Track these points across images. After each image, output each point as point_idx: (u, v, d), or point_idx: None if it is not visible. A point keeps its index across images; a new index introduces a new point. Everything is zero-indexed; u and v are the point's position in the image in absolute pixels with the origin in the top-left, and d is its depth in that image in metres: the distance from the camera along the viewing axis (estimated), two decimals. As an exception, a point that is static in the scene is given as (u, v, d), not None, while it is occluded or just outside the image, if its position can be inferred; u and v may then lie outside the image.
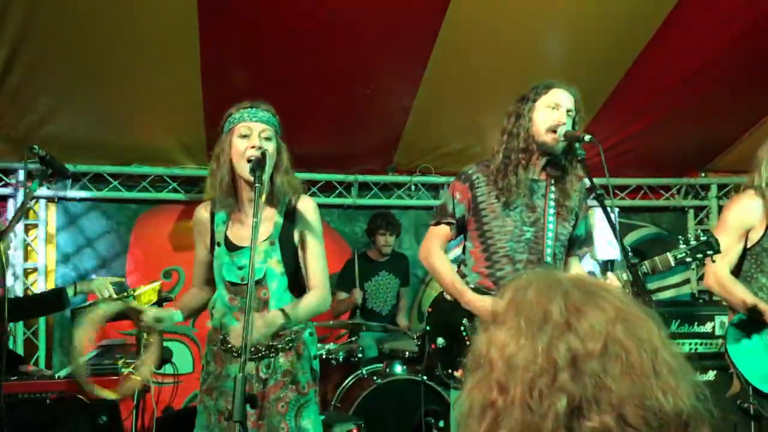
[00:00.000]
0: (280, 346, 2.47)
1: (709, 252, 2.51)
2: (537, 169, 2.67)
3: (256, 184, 2.21)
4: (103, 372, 2.84)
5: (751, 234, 2.90)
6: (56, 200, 5.01)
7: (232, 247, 2.51)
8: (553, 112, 2.59)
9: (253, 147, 2.39)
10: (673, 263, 2.50)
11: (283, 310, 2.37)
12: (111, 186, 5.05)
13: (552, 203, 2.66)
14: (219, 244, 2.53)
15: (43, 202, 4.96)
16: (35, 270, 4.92)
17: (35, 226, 4.93)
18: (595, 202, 2.51)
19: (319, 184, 5.39)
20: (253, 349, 2.40)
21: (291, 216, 2.53)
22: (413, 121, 4.97)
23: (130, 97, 4.41)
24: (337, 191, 5.46)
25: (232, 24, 4.04)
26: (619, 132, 5.09)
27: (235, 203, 2.51)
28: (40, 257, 4.92)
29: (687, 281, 5.91)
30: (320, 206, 5.26)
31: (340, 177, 5.43)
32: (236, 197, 2.51)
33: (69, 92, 4.31)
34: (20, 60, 3.96)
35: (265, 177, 2.34)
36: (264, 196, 2.32)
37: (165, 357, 3.62)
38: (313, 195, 5.32)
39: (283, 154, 2.50)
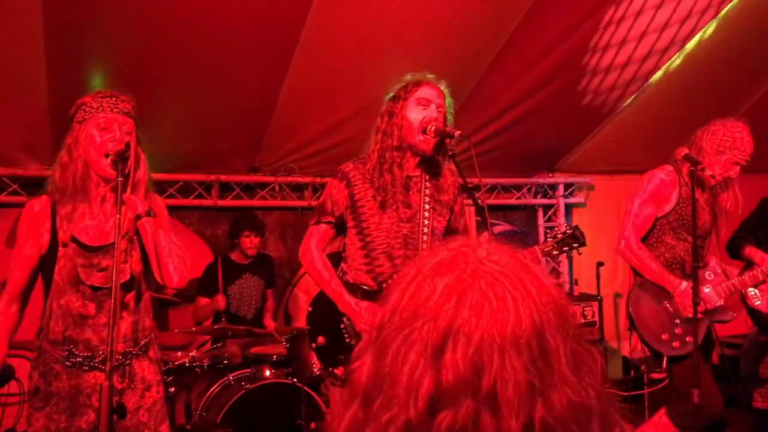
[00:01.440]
0: (134, 352, 2.33)
1: (575, 245, 2.66)
2: (411, 165, 2.70)
3: (119, 178, 2.06)
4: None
5: (664, 205, 3.30)
6: None
7: (86, 248, 2.29)
8: (423, 110, 2.63)
9: (113, 141, 2.23)
10: (540, 256, 2.62)
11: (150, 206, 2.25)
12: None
13: (427, 198, 2.70)
14: (66, 245, 2.29)
15: None
16: None
17: None
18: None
19: (178, 185, 5.16)
20: (113, 359, 2.21)
21: (151, 213, 2.37)
22: (276, 121, 4.89)
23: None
24: (197, 192, 5.26)
25: (80, 16, 3.77)
26: (474, 134, 5.29)
27: (84, 198, 2.31)
28: None
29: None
30: (179, 208, 5.16)
31: (200, 178, 5.24)
32: (87, 193, 2.31)
33: None
34: None
35: (130, 171, 2.19)
36: (128, 192, 2.16)
37: (8, 374, 3.31)
38: (171, 197, 5.09)
39: (141, 148, 2.35)
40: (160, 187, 5.05)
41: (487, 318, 0.70)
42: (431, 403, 0.68)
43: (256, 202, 5.41)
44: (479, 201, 2.45)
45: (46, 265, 2.31)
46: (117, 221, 1.97)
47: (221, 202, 5.31)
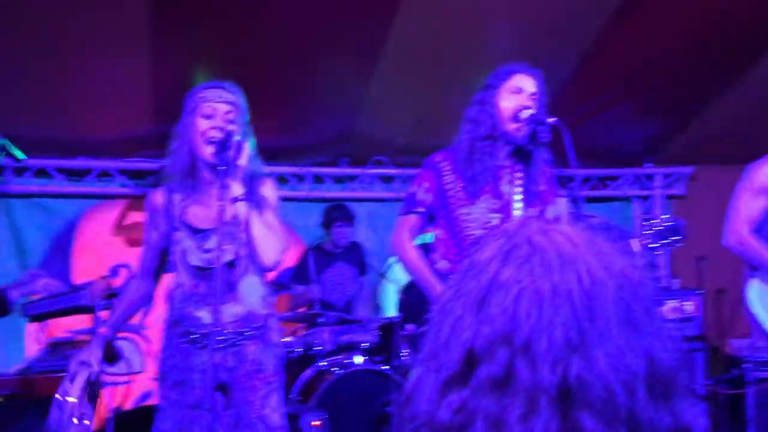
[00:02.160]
0: (247, 333, 2.42)
1: (674, 238, 2.55)
2: (503, 154, 2.67)
3: (221, 166, 2.16)
4: (52, 370, 2.72)
5: None
6: (-3, 195, 4.81)
7: (195, 231, 2.44)
8: (516, 98, 2.59)
9: (215, 128, 2.32)
10: (636, 249, 2.54)
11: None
12: (54, 180, 4.87)
13: (518, 189, 2.67)
14: (179, 229, 2.45)
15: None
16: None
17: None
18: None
19: (272, 177, 5.30)
20: (220, 338, 2.34)
21: (251, 197, 2.47)
22: (366, 113, 4.95)
23: (75, 87, 4.26)
24: (290, 184, 5.40)
25: (185, 17, 3.95)
26: (567, 123, 5.16)
27: (194, 185, 2.44)
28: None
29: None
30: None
31: (293, 170, 5.37)
32: (196, 179, 2.44)
33: (9, 84, 4.13)
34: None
35: (231, 159, 2.29)
36: (229, 178, 2.26)
37: (117, 353, 3.51)
38: (265, 188, 5.24)
39: (247, 137, 2.45)
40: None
41: (529, 273, 0.71)
42: (470, 355, 0.70)
43: (346, 194, 5.50)
44: (573, 192, 2.40)
45: (168, 248, 2.48)
46: (219, 206, 2.06)
47: (313, 194, 5.43)
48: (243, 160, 2.37)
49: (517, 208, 2.66)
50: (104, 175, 5.00)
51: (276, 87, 4.57)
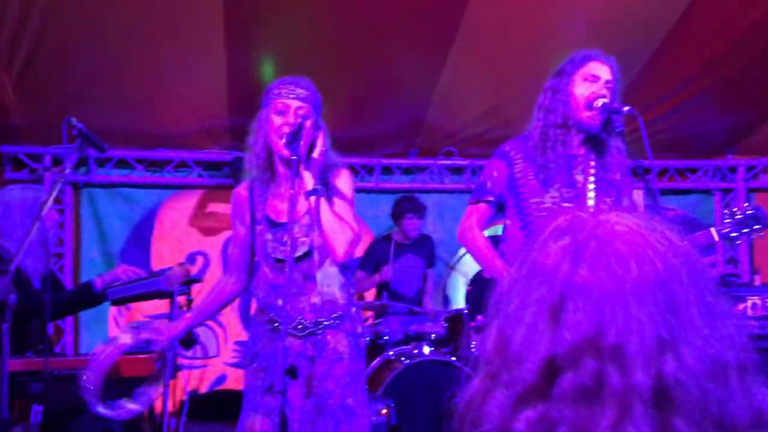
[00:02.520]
0: (326, 322, 2.46)
1: (756, 227, 2.45)
2: (576, 143, 2.62)
3: (293, 157, 2.20)
4: (133, 351, 2.84)
5: None
6: (80, 185, 5.03)
7: (273, 224, 2.49)
8: (591, 86, 2.54)
9: (287, 124, 2.38)
10: (716, 237, 2.44)
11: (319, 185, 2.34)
12: (135, 171, 5.06)
13: (592, 177, 2.61)
14: (260, 223, 2.52)
15: (68, 187, 4.99)
16: (61, 255, 4.95)
17: (61, 210, 4.95)
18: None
19: (342, 168, 5.36)
20: (300, 326, 2.40)
21: (329, 188, 2.51)
22: (435, 104, 4.94)
23: (154, 81, 4.42)
24: (360, 175, 5.44)
25: (256, 9, 4.03)
26: (644, 114, 5.01)
27: (272, 179, 2.50)
28: (66, 242, 4.95)
29: (714, 265, 5.85)
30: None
31: (363, 161, 5.41)
32: (273, 173, 2.50)
33: (93, 77, 4.32)
34: (45, 46, 3.98)
35: (302, 151, 2.34)
36: (301, 170, 2.31)
37: (193, 339, 3.62)
38: (336, 179, 5.31)
39: (320, 131, 2.49)
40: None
41: (606, 274, 0.67)
42: (549, 365, 0.66)
43: (416, 185, 5.51)
44: (649, 183, 2.33)
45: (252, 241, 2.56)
46: (292, 198, 2.11)
47: (382, 185, 5.46)
48: (316, 153, 2.41)
49: (591, 198, 2.60)
50: (182, 166, 5.17)
51: (346, 78, 4.61)
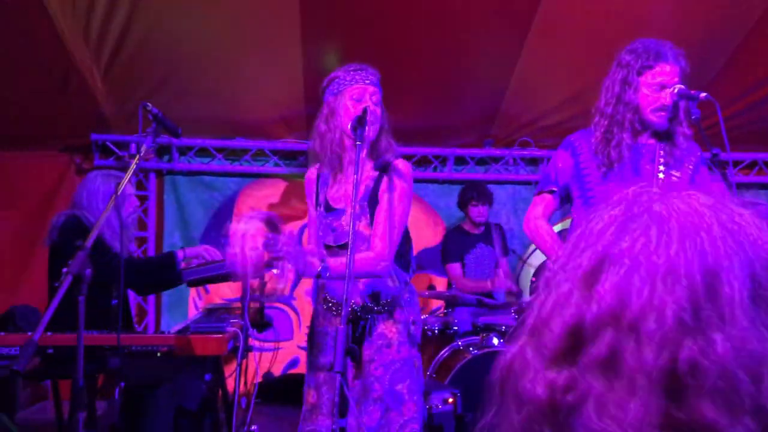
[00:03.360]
0: (375, 309, 2.48)
1: None
2: (644, 133, 2.54)
3: (357, 142, 2.23)
4: (207, 331, 2.94)
5: None
6: (164, 172, 5.24)
7: (328, 209, 2.53)
8: (658, 91, 2.44)
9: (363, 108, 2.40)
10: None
11: (323, 259, 2.32)
12: (215, 159, 5.23)
13: (661, 167, 2.53)
14: (320, 206, 2.56)
15: (152, 174, 5.21)
16: (145, 239, 5.18)
17: (145, 197, 5.17)
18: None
19: (415, 158, 5.38)
20: (349, 311, 2.42)
21: (381, 179, 2.52)
22: (511, 93, 4.87)
23: (233, 71, 4.55)
24: (433, 165, 5.43)
25: (334, 6, 4.09)
26: (732, 104, 4.80)
27: (339, 165, 2.52)
28: (149, 227, 5.17)
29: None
30: (415, 181, 5.37)
31: (436, 151, 5.40)
32: (341, 160, 2.52)
33: (176, 68, 4.48)
34: (130, 37, 4.16)
35: (371, 136, 2.37)
36: (366, 156, 2.34)
37: (266, 321, 3.72)
38: (409, 168, 5.33)
39: (386, 119, 2.52)
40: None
41: (644, 247, 0.64)
42: (575, 333, 0.65)
43: (489, 176, 5.45)
44: (727, 176, 2.23)
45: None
46: (354, 182, 2.13)
47: (456, 175, 5.43)
48: (383, 141, 2.45)
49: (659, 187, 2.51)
50: (260, 154, 5.30)
51: (420, 68, 4.62)
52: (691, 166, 2.55)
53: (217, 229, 5.27)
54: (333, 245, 2.49)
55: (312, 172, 2.65)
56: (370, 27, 4.28)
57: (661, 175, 2.51)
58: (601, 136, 2.54)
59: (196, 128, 5.07)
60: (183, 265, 3.38)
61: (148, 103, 2.26)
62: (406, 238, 2.57)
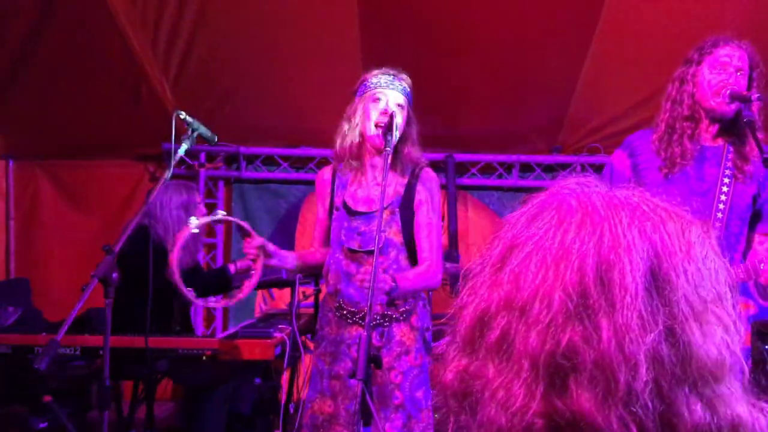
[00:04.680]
0: (394, 316, 2.46)
1: None
2: (710, 135, 2.41)
3: (386, 148, 2.21)
4: (255, 335, 2.99)
5: None
6: (232, 181, 5.38)
7: (351, 212, 2.50)
8: (720, 73, 2.32)
9: (384, 113, 2.38)
10: None
11: (393, 277, 2.31)
12: (281, 167, 5.32)
13: (728, 171, 2.39)
14: (338, 209, 2.54)
15: (221, 182, 5.37)
16: (214, 245, 5.32)
17: (214, 204, 5.32)
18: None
19: (479, 165, 5.30)
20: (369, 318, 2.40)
21: (413, 186, 2.50)
22: (579, 98, 4.74)
23: (298, 81, 4.63)
24: (497, 172, 5.34)
25: (391, 8, 4.11)
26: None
27: (358, 167, 2.51)
28: (218, 234, 5.31)
29: None
30: (479, 188, 5.31)
31: (501, 158, 5.30)
32: (361, 162, 2.51)
33: (241, 78, 4.61)
34: (197, 49, 4.30)
35: (394, 143, 2.34)
36: (390, 163, 2.32)
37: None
38: (472, 176, 5.26)
39: (412, 126, 2.49)
40: (463, 167, 5.25)
41: (543, 234, 0.66)
42: (480, 321, 0.66)
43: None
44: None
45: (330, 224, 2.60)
46: (379, 191, 2.12)
47: (521, 182, 5.32)
48: (406, 148, 2.42)
49: (724, 192, 2.38)
50: (323, 162, 5.34)
51: (485, 75, 4.56)
52: (750, 169, 2.39)
53: (282, 235, 5.36)
54: (359, 250, 2.47)
55: (326, 172, 2.64)
56: (432, 32, 4.26)
57: (726, 180, 2.38)
58: (662, 132, 2.43)
59: (262, 137, 5.19)
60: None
61: (182, 112, 2.32)
62: None
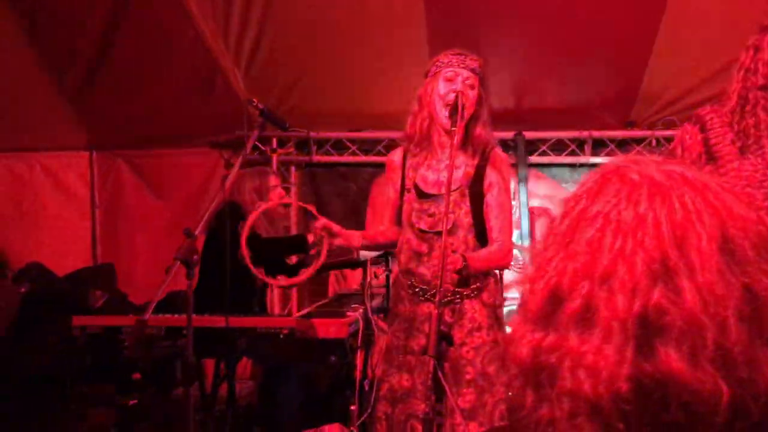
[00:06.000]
0: (465, 293, 2.47)
1: None
2: None
3: (452, 128, 2.22)
4: (329, 315, 3.07)
5: None
6: (304, 165, 5.49)
7: (421, 194, 2.52)
8: None
9: (454, 91, 2.38)
10: None
11: (463, 257, 2.33)
12: (349, 151, 5.39)
13: None
14: (409, 190, 2.55)
15: (293, 167, 5.48)
16: (287, 228, 5.45)
17: (287, 189, 5.44)
18: None
19: (550, 142, 5.22)
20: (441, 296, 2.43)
21: (483, 168, 2.49)
22: (653, 71, 4.60)
23: (364, 67, 4.68)
24: (570, 149, 5.25)
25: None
26: None
27: (428, 148, 2.52)
28: (291, 216, 5.43)
29: None
30: (551, 165, 5.23)
31: (573, 134, 5.21)
32: (431, 143, 2.51)
33: (310, 65, 4.69)
34: (266, 37, 4.40)
35: (462, 124, 2.34)
36: (459, 143, 2.32)
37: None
38: (543, 154, 5.20)
39: (484, 106, 2.48)
40: (533, 145, 5.19)
41: (614, 207, 0.68)
42: (554, 295, 0.68)
43: (631, 158, 5.18)
44: None
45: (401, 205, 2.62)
46: (447, 172, 2.13)
47: (594, 159, 5.21)
48: (477, 128, 2.42)
49: None
50: (392, 145, 5.37)
51: (556, 52, 4.50)
52: None
53: (353, 218, 5.44)
54: (429, 231, 2.48)
55: (396, 154, 2.65)
56: (500, 10, 4.23)
57: None
58: (734, 104, 2.34)
59: (331, 122, 5.26)
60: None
61: (255, 99, 2.38)
62: None
